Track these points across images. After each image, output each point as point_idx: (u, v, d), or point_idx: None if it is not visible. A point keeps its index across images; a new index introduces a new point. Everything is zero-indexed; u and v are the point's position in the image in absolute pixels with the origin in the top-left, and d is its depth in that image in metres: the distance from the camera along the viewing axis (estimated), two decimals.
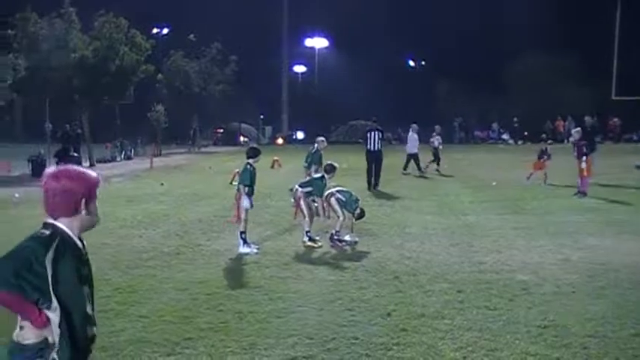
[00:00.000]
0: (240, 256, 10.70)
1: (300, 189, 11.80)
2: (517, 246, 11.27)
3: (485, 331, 6.90)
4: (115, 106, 40.72)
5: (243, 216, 10.98)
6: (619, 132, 48.45)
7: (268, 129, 63.40)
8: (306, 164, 16.75)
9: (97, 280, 8.99)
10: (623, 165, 25.01)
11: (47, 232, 3.14)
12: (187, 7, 55.92)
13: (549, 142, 23.56)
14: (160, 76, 43.67)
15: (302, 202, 11.66)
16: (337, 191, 11.83)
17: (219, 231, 13.10)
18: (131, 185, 22.61)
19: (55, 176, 3.21)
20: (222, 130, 58.34)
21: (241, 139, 54.56)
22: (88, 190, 3.28)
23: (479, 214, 14.94)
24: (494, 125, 53.27)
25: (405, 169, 24.96)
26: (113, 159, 35.75)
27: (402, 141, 53.52)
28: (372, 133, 20.56)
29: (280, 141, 56.16)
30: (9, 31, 28.68)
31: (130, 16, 32.17)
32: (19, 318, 3.19)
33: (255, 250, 10.89)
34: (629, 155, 29.07)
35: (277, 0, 62.17)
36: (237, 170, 17.31)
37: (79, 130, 31.50)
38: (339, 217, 11.56)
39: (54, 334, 3.10)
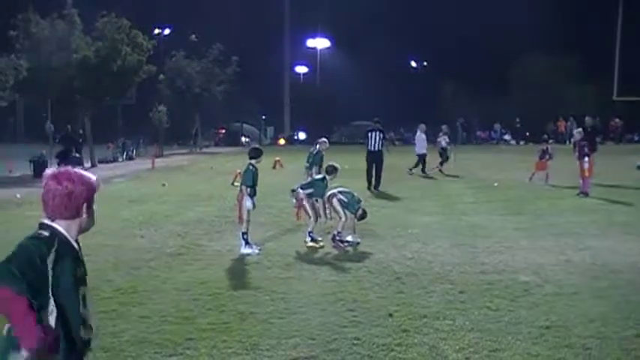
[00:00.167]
0: (242, 256, 10.70)
1: (301, 191, 11.79)
2: (519, 247, 11.26)
3: (487, 332, 6.89)
4: (116, 106, 40.78)
5: (245, 216, 10.98)
6: (620, 132, 48.45)
7: (270, 129, 63.44)
8: (307, 165, 16.76)
9: (98, 281, 9.05)
10: (625, 165, 24.99)
11: (46, 234, 3.11)
12: (189, 7, 55.94)
13: (550, 141, 23.52)
14: (161, 76, 43.70)
15: (305, 204, 11.64)
16: (339, 192, 11.82)
17: (221, 231, 13.10)
18: (133, 186, 22.62)
19: (56, 178, 3.18)
20: (223, 131, 58.37)
21: (242, 139, 54.58)
22: (90, 193, 3.25)
23: (481, 215, 14.93)
24: (497, 126, 53.26)
25: (422, 170, 24.81)
26: (115, 159, 35.78)
27: (405, 142, 53.81)
28: (373, 134, 20.53)
29: (282, 141, 56.18)
30: (11, 32, 28.71)
31: (132, 16, 32.22)
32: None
33: (257, 251, 10.89)
34: (630, 156, 29.03)
35: (279, 0, 62.17)
36: (239, 171, 17.36)
37: (81, 131, 31.53)
38: (340, 217, 11.54)
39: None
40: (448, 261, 10.22)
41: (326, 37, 66.87)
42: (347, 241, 11.45)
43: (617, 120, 48.48)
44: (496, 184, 20.83)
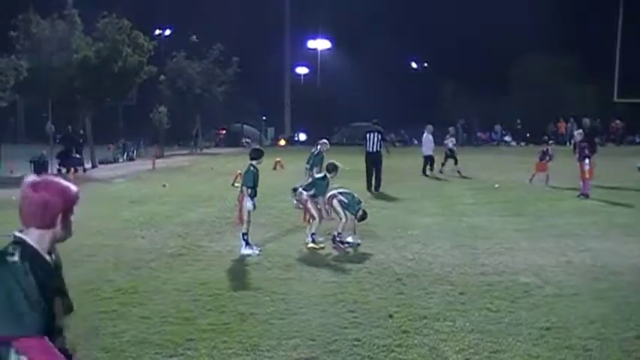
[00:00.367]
0: (243, 257, 10.70)
1: (304, 192, 11.77)
2: (519, 248, 11.26)
3: (488, 333, 6.89)
4: (117, 107, 40.78)
5: (245, 217, 10.99)
6: (621, 134, 48.43)
7: (270, 130, 63.40)
8: (307, 166, 16.76)
9: (99, 281, 9.06)
10: (626, 167, 24.97)
11: (16, 258, 3.03)
12: (190, 8, 55.94)
13: (550, 142, 23.49)
14: (162, 77, 43.71)
15: (309, 205, 11.61)
16: (339, 193, 11.82)
17: (222, 232, 13.11)
18: (133, 186, 22.62)
19: (34, 186, 3.10)
20: (224, 132, 58.36)
21: (243, 140, 54.58)
22: (67, 205, 3.16)
23: (481, 216, 14.94)
24: (497, 127, 53.23)
25: (424, 171, 24.79)
26: (115, 160, 35.78)
27: (405, 143, 53.81)
28: (372, 135, 20.53)
29: (282, 142, 56.17)
30: (11, 33, 28.72)
31: (133, 17, 32.22)
32: None
33: (257, 252, 10.90)
34: (631, 157, 29.02)
35: (280, 1, 62.19)
36: (240, 171, 17.35)
37: (82, 131, 31.54)
38: (341, 218, 11.55)
39: None
40: (448, 262, 10.22)
41: (326, 38, 66.88)
42: (347, 242, 11.46)
43: (617, 121, 48.45)
44: (496, 186, 20.83)
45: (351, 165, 21.59)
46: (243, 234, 10.99)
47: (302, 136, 60.39)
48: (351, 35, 60.67)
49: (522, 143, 49.93)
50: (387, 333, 6.95)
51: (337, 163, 12.21)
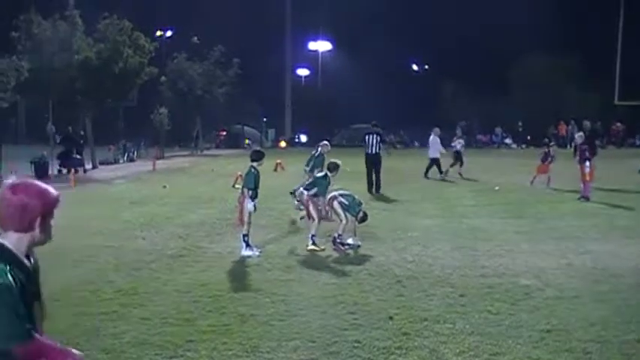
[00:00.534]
0: (243, 258, 10.71)
1: (306, 192, 11.76)
2: (520, 250, 11.26)
3: (488, 336, 6.89)
4: (118, 108, 40.77)
5: (246, 219, 10.99)
6: (622, 136, 48.43)
7: (271, 132, 63.38)
8: (307, 167, 16.77)
9: (99, 282, 9.06)
10: (626, 169, 24.98)
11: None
12: (191, 9, 55.95)
13: (551, 144, 23.45)
14: (163, 78, 43.71)
15: (310, 206, 11.60)
16: (340, 194, 11.82)
17: (222, 233, 13.11)
18: (134, 187, 22.63)
19: (13, 188, 3.04)
20: (225, 133, 58.36)
21: (245, 141, 54.59)
22: (46, 208, 3.09)
23: (481, 218, 14.94)
24: (498, 129, 53.22)
25: (440, 172, 24.64)
26: (116, 161, 35.76)
27: (406, 144, 53.80)
28: (371, 137, 20.56)
29: (283, 144, 56.17)
30: (13, 33, 28.74)
31: (134, 18, 32.22)
32: None
33: (258, 253, 10.90)
34: (631, 160, 29.01)
35: (281, 3, 62.20)
36: (240, 173, 17.36)
37: (82, 132, 31.54)
38: (341, 220, 11.54)
39: None
40: (449, 264, 10.22)
41: (327, 40, 66.89)
42: (348, 244, 11.45)
43: (618, 124, 48.46)
44: (497, 188, 20.82)
45: (351, 166, 21.61)
46: (244, 235, 10.99)
47: (303, 138, 60.40)
48: (351, 37, 60.67)
49: (523, 146, 49.90)
50: (387, 335, 6.95)
51: (338, 162, 12.22)
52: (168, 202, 18.24)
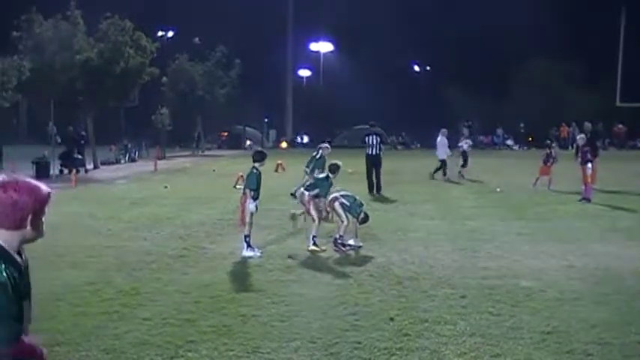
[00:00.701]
0: (244, 259, 10.71)
1: (307, 193, 11.76)
2: (521, 252, 11.24)
3: (489, 337, 6.89)
4: (119, 108, 40.80)
5: (248, 219, 10.99)
6: (624, 138, 48.42)
7: (272, 132, 63.40)
8: (307, 169, 16.78)
9: (100, 282, 9.06)
10: (628, 172, 24.97)
11: None
12: (192, 10, 55.99)
13: (553, 145, 23.41)
14: (164, 78, 43.74)
15: (311, 208, 11.59)
16: (341, 195, 11.82)
17: (223, 234, 13.11)
18: (135, 188, 22.64)
19: (3, 186, 3.02)
20: (226, 134, 58.38)
21: (247, 142, 54.58)
22: (37, 205, 3.07)
23: (482, 220, 14.92)
24: (499, 131, 53.19)
25: (437, 173, 24.58)
26: (117, 161, 35.81)
27: (407, 145, 53.81)
28: (371, 137, 20.57)
29: (284, 145, 56.19)
30: (14, 33, 28.76)
31: (135, 18, 32.25)
32: None
33: (259, 254, 10.89)
34: (633, 162, 29.03)
35: (282, 4, 62.21)
36: (241, 174, 17.36)
37: (83, 132, 31.57)
38: (342, 221, 11.53)
39: None
40: (450, 265, 10.21)
41: (329, 41, 66.90)
42: (349, 245, 11.44)
43: (620, 126, 48.46)
44: (498, 189, 20.81)
45: (353, 167, 21.61)
46: (245, 236, 10.99)
47: (304, 139, 60.43)
48: (353, 38, 60.69)
49: (525, 147, 49.87)
50: (388, 336, 6.94)
51: (339, 163, 12.23)
52: (169, 202, 18.24)
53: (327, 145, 17.38)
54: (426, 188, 21.89)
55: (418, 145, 54.41)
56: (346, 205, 11.66)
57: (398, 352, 6.49)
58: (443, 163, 24.58)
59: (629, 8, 42.39)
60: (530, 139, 50.89)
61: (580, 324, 7.30)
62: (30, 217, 3.06)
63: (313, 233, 11.42)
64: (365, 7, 57.82)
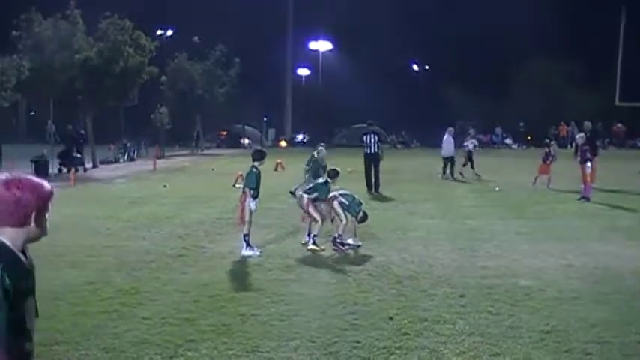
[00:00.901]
0: (243, 258, 10.71)
1: (305, 196, 11.75)
2: (520, 251, 11.25)
3: (488, 336, 6.89)
4: (118, 107, 40.79)
5: (247, 218, 10.99)
6: (623, 137, 48.44)
7: (271, 131, 63.38)
8: (307, 167, 16.79)
9: (100, 282, 9.06)
10: (627, 171, 24.97)
11: None
12: (192, 9, 55.98)
13: (552, 143, 23.38)
14: (163, 78, 43.71)
15: (310, 209, 11.58)
16: (340, 194, 11.82)
17: (222, 233, 13.11)
18: (134, 187, 22.63)
19: (6, 184, 3.02)
20: (225, 133, 58.35)
21: (246, 141, 54.53)
22: (40, 202, 3.08)
23: (482, 219, 14.92)
24: (498, 130, 53.18)
25: (444, 173, 24.60)
26: (116, 160, 35.77)
27: (407, 144, 53.81)
28: (369, 136, 20.55)
29: (283, 144, 56.19)
30: (14, 32, 28.74)
31: (135, 17, 32.23)
32: None
33: (258, 253, 10.90)
34: (632, 161, 29.04)
35: (282, 3, 62.19)
36: (241, 173, 17.37)
37: (83, 132, 31.56)
38: (341, 220, 11.53)
39: None
40: (449, 264, 10.22)
41: (328, 40, 66.89)
42: (348, 244, 11.45)
43: (619, 125, 48.48)
44: (497, 189, 20.81)
45: (352, 166, 21.63)
46: (245, 235, 11.00)
47: (303, 138, 60.44)
48: (352, 37, 60.67)
49: (524, 146, 49.88)
50: (387, 335, 6.95)
51: (338, 170, 12.29)
52: (168, 201, 18.24)
53: (322, 148, 17.32)
54: (426, 187, 21.90)
55: (418, 144, 54.43)
56: (345, 204, 11.66)
57: (397, 351, 6.49)
58: (449, 160, 24.56)
59: (628, 8, 42.38)
60: (529, 138, 50.90)
61: (579, 323, 7.31)
62: (34, 215, 3.07)
63: (314, 232, 11.42)
64: (364, 6, 57.81)
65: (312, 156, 17.03)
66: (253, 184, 10.99)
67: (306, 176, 16.26)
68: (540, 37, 51.50)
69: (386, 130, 42.36)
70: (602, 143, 37.47)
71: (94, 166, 31.19)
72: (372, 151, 20.35)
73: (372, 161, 20.31)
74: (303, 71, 69.56)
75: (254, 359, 6.33)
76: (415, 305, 8.03)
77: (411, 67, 69.35)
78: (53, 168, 26.73)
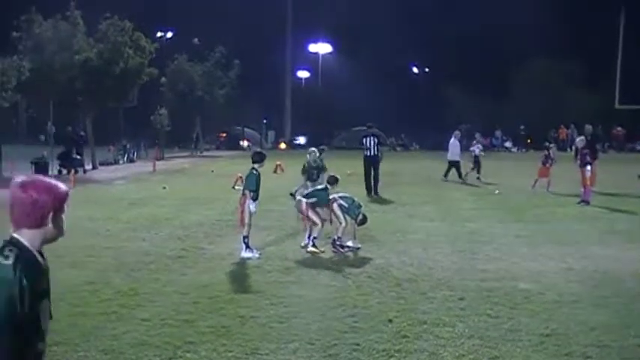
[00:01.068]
0: (243, 260, 10.70)
1: (304, 200, 11.73)
2: (520, 254, 11.25)
3: (487, 339, 6.89)
4: (118, 108, 40.80)
5: (247, 220, 10.98)
6: (623, 141, 48.47)
7: (271, 133, 63.41)
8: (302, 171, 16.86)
9: (99, 283, 9.05)
10: (627, 174, 24.95)
11: (10, 262, 3.00)
12: (192, 11, 56.02)
13: (551, 146, 23.37)
14: (163, 79, 43.73)
15: (310, 213, 11.57)
16: (340, 197, 11.81)
17: (222, 235, 13.10)
18: (133, 188, 22.63)
19: (23, 186, 3.07)
20: (225, 134, 58.37)
21: (245, 143, 54.52)
22: (56, 203, 3.12)
23: (481, 222, 14.92)
24: (497, 132, 53.20)
25: (445, 176, 24.56)
26: (116, 162, 35.78)
27: (406, 147, 53.82)
28: (368, 139, 20.53)
29: (283, 146, 56.21)
30: (14, 33, 28.76)
31: (135, 19, 32.25)
32: None
33: (257, 255, 10.89)
34: (632, 164, 29.03)
35: (282, 5, 62.25)
36: (240, 175, 17.35)
37: (82, 133, 31.56)
38: (341, 223, 11.52)
39: None
40: (448, 267, 10.21)
41: (328, 42, 66.96)
42: (347, 247, 11.44)
43: (619, 128, 48.52)
44: (497, 192, 20.82)
45: (351, 168, 21.62)
46: (244, 237, 10.98)
47: (302, 140, 60.46)
48: (352, 39, 60.75)
49: (523, 149, 49.89)
50: (387, 338, 6.94)
51: (337, 176, 12.34)
52: (167, 203, 18.24)
53: (314, 149, 17.33)
54: (425, 190, 21.90)
55: (417, 147, 54.45)
56: (344, 207, 11.65)
57: (396, 354, 6.48)
58: (455, 164, 24.53)
59: (628, 8, 42.41)
60: (528, 141, 50.92)
61: (579, 326, 7.30)
62: (50, 215, 3.12)
63: (314, 235, 11.41)
64: (364, 7, 57.89)
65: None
66: (253, 186, 10.98)
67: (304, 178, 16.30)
68: (541, 39, 51.56)
69: (385, 132, 42.32)
70: (602, 147, 37.48)
71: (94, 168, 31.19)
72: (372, 153, 20.33)
73: (371, 164, 20.30)
74: (303, 73, 69.61)
75: None
76: (414, 308, 8.02)
77: (411, 68, 69.44)
78: (53, 169, 26.72)
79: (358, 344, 6.73)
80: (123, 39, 30.82)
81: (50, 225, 3.13)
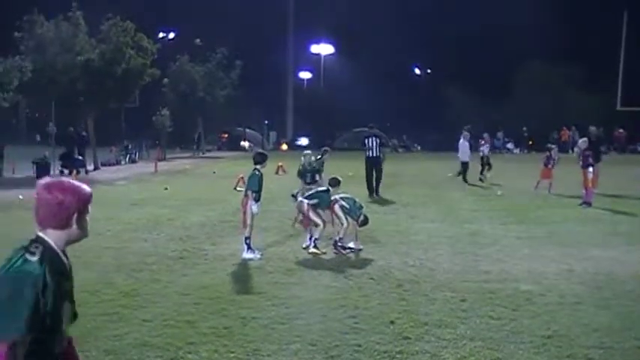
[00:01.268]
0: (244, 261, 10.69)
1: (306, 201, 11.72)
2: (521, 256, 11.23)
3: (489, 341, 6.87)
4: (120, 109, 40.86)
5: (249, 221, 10.98)
6: (624, 142, 48.45)
7: (273, 134, 63.44)
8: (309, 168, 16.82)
9: (100, 283, 9.06)
10: (628, 176, 24.96)
11: (36, 258, 3.03)
12: (194, 11, 56.09)
13: (553, 147, 23.37)
14: (165, 80, 43.77)
15: (311, 214, 11.56)
16: (341, 198, 11.81)
17: (223, 236, 13.10)
18: (135, 189, 22.64)
19: (48, 187, 3.14)
20: (226, 135, 58.40)
21: (245, 144, 54.51)
22: (81, 204, 3.19)
23: (483, 223, 14.90)
24: (500, 134, 53.16)
25: (464, 178, 24.61)
26: (118, 162, 35.82)
27: (408, 148, 53.82)
28: (370, 140, 20.53)
29: (284, 147, 56.23)
30: (16, 34, 28.79)
31: (137, 19, 32.29)
32: None
33: (259, 256, 10.89)
34: (634, 166, 29.02)
35: (283, 6, 62.30)
36: (242, 176, 17.37)
37: (84, 133, 31.59)
38: (342, 224, 11.52)
39: None
40: (450, 269, 10.20)
41: (330, 43, 67.00)
42: (349, 248, 11.43)
43: (621, 130, 48.49)
44: (499, 193, 20.81)
45: (353, 170, 21.61)
46: (246, 238, 10.98)
47: (304, 141, 60.51)
48: (353, 40, 60.81)
49: (525, 151, 49.87)
50: (388, 339, 6.93)
51: (339, 178, 12.28)
52: (169, 203, 18.24)
53: (308, 151, 17.31)
54: (427, 191, 21.89)
55: (418, 148, 54.44)
56: (346, 208, 11.64)
57: (398, 356, 6.47)
58: (465, 165, 24.53)
59: (630, 10, 42.41)
60: (530, 142, 50.91)
61: (581, 328, 7.29)
62: (75, 216, 3.19)
63: (316, 236, 11.40)
64: (365, 8, 57.93)
65: (316, 157, 17.05)
66: (256, 186, 10.98)
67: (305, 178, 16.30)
68: (542, 41, 51.56)
69: (387, 133, 42.37)
70: (606, 149, 37.40)
71: (96, 168, 31.22)
72: (374, 154, 20.32)
73: (373, 165, 20.29)
74: (305, 74, 69.66)
75: None
76: (416, 309, 8.01)
77: (412, 69, 69.47)
78: (54, 170, 26.73)
79: (360, 345, 6.72)
80: (125, 40, 30.86)
81: (74, 226, 3.19)
